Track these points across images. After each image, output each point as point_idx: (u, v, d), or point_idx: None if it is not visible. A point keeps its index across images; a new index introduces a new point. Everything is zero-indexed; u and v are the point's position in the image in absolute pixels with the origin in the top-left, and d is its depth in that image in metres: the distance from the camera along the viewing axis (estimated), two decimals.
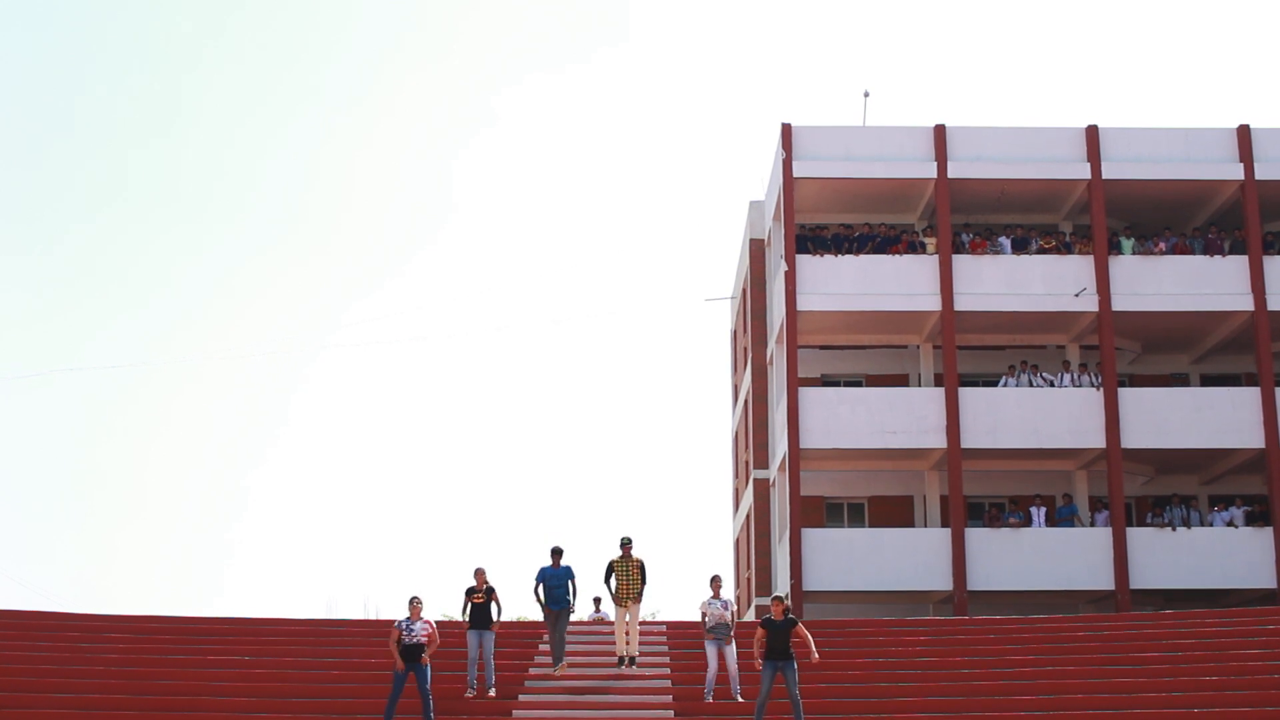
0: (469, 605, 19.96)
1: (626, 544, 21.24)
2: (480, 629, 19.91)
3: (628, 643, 21.35)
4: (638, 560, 21.30)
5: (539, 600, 21.07)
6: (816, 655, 18.28)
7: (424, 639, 18.50)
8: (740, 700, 19.63)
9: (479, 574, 20.04)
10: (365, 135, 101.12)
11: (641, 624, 26.52)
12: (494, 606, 19.98)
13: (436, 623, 19.90)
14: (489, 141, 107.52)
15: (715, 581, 20.21)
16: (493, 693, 20.03)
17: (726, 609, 19.89)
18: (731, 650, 19.88)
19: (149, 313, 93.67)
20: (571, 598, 21.12)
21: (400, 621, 18.65)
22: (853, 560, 31.61)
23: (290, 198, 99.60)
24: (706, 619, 19.89)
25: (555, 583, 21.03)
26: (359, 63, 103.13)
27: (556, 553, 21.24)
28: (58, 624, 24.32)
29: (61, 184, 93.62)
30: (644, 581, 21.27)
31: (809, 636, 18.22)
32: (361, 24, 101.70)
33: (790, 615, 18.28)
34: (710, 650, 19.80)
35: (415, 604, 18.70)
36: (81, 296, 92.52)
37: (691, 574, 79.70)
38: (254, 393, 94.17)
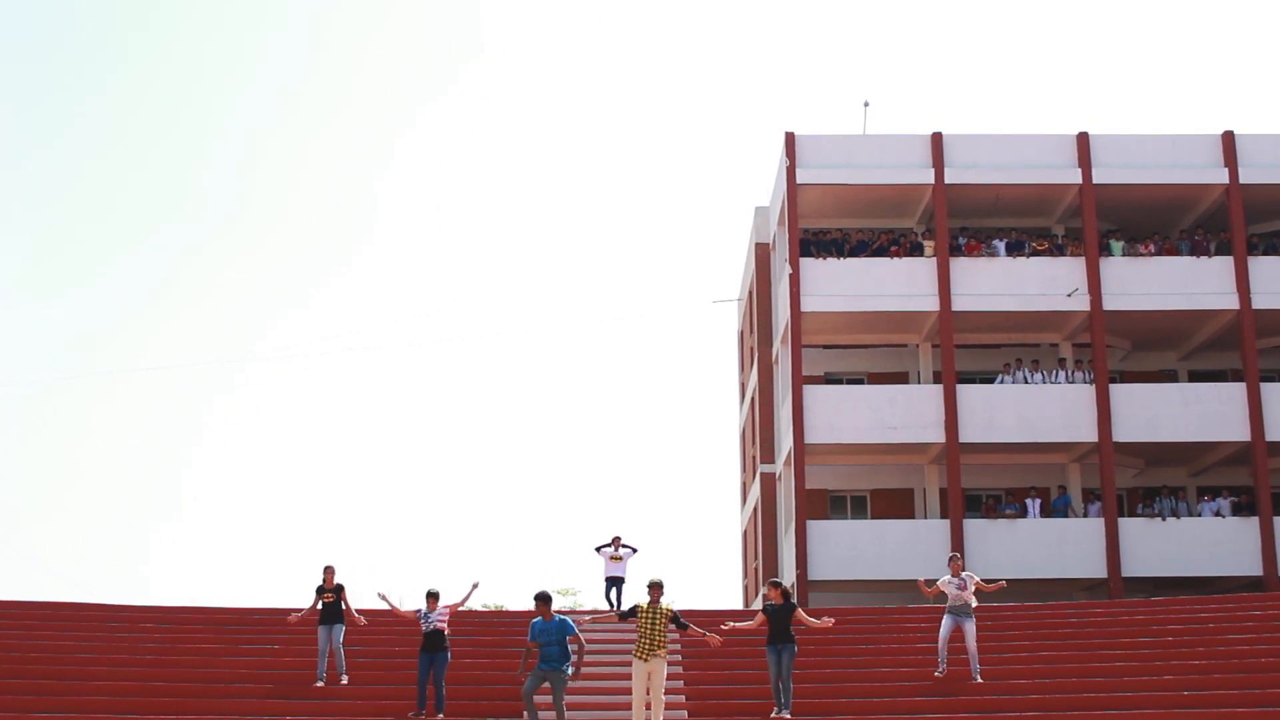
0: (320, 602, 19.75)
1: (656, 587, 16.87)
2: (330, 624, 19.66)
3: (648, 716, 16.75)
4: (667, 610, 16.84)
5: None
6: (829, 620, 18.09)
7: (440, 625, 18.60)
8: (980, 681, 19.42)
9: (328, 572, 19.77)
10: (370, 138, 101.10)
11: None
12: (343, 603, 19.74)
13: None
14: (512, 152, 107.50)
15: (954, 562, 19.76)
16: (345, 680, 19.65)
17: (964, 588, 19.41)
18: (971, 628, 19.35)
19: (104, 317, 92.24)
20: (571, 662, 16.61)
21: (420, 611, 18.90)
22: (856, 550, 31.54)
23: (282, 204, 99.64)
24: (948, 598, 19.47)
25: (545, 640, 16.55)
26: (344, 55, 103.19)
27: (543, 600, 16.67)
28: (97, 615, 24.38)
29: None
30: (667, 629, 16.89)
31: (807, 618, 18.03)
32: (365, 27, 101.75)
33: (790, 600, 18.09)
34: (947, 624, 19.43)
35: (432, 597, 18.83)
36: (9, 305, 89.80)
37: (701, 565, 79.46)
38: (263, 394, 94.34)
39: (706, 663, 21.31)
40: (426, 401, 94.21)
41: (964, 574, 19.65)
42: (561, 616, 16.67)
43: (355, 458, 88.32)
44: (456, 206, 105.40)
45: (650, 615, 16.63)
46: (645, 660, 16.49)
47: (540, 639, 16.53)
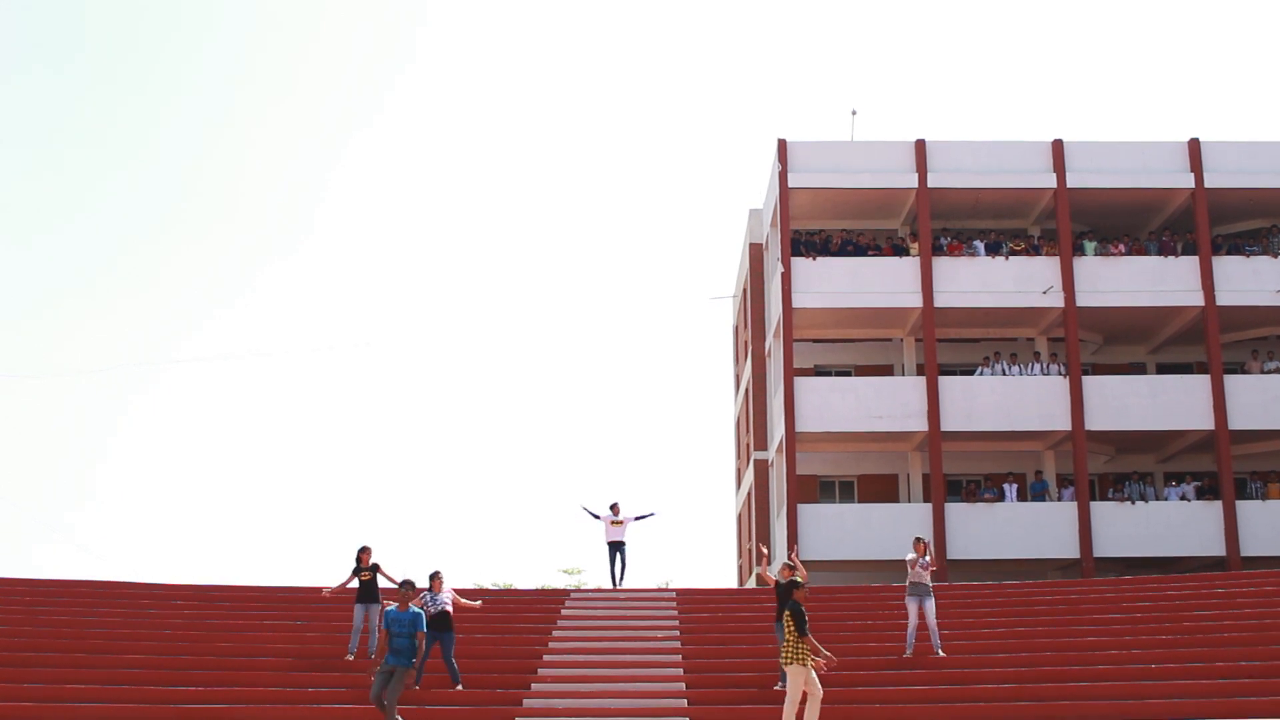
0: (356, 580, 19.35)
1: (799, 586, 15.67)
2: (366, 603, 19.30)
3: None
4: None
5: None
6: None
7: (447, 608, 18.26)
8: (941, 655, 19.30)
9: (364, 552, 19.31)
10: (373, 140, 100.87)
11: (656, 591, 26.03)
12: (379, 580, 19.32)
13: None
14: (533, 161, 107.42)
15: (919, 544, 19.50)
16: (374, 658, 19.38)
17: (925, 569, 19.27)
18: (931, 606, 19.25)
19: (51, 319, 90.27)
20: (415, 663, 15.50)
21: (424, 594, 18.37)
22: (844, 533, 31.45)
23: (296, 204, 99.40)
24: (909, 576, 19.38)
25: (396, 630, 15.34)
26: (335, 55, 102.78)
27: (405, 588, 15.68)
28: (132, 592, 24.36)
29: None
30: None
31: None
32: (362, 23, 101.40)
33: (795, 580, 17.89)
34: (910, 606, 19.33)
35: (436, 578, 18.45)
36: None
37: (699, 546, 79.46)
38: (271, 391, 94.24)
39: (703, 639, 21.20)
40: (438, 394, 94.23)
41: (927, 557, 19.53)
42: (416, 610, 15.39)
43: (370, 452, 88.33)
44: (472, 212, 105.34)
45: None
46: (805, 665, 15.12)
47: (392, 629, 15.32)
